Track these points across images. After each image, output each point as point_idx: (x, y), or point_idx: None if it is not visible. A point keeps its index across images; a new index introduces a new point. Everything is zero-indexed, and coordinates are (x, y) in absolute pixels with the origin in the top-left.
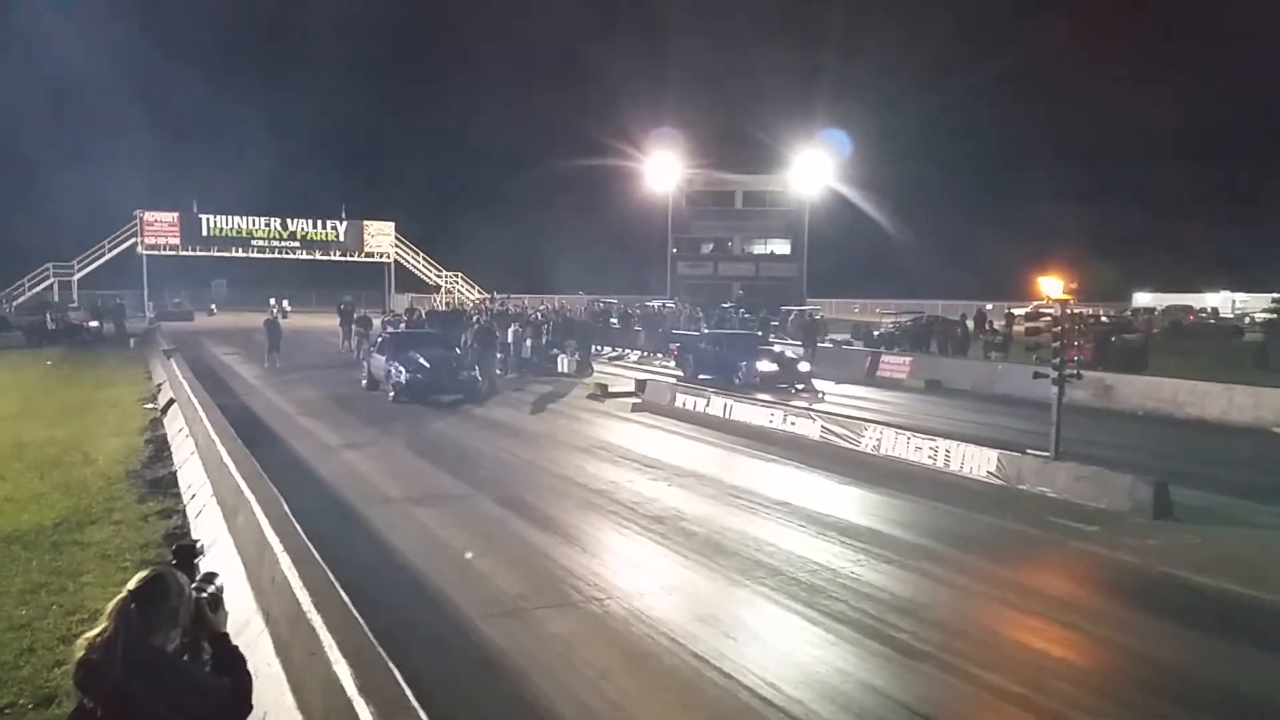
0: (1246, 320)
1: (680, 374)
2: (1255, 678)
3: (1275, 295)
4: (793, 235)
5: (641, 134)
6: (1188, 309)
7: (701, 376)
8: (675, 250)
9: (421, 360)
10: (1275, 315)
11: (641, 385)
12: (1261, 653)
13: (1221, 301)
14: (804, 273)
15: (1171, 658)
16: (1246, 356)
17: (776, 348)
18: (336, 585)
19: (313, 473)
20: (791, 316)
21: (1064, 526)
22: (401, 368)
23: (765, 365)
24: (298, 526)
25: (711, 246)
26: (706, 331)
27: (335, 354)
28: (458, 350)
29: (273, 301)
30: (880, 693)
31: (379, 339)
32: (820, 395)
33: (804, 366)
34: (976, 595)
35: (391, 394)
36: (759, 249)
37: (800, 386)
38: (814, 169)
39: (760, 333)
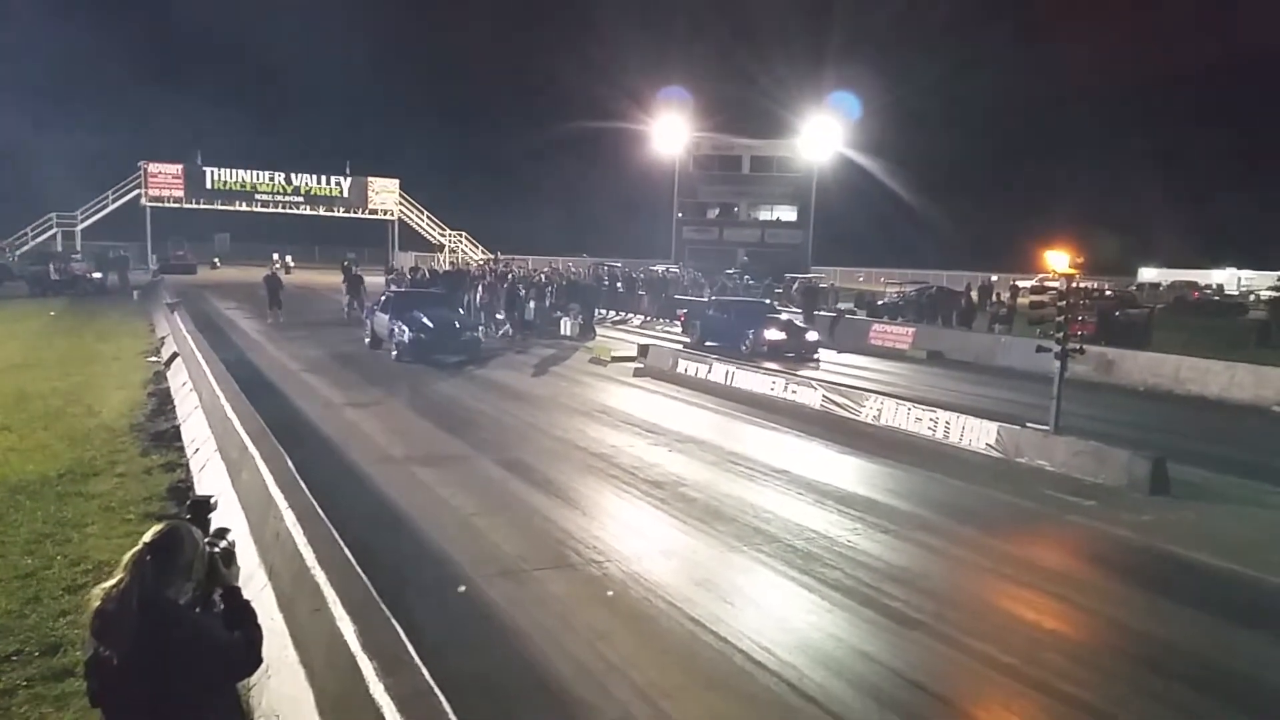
0: (1251, 298)
1: (687, 340)
2: (1246, 654)
3: None
4: (799, 202)
5: (649, 97)
6: (1193, 285)
7: (708, 343)
8: (681, 214)
9: (425, 320)
10: (1279, 293)
11: (644, 350)
12: (1253, 630)
13: (1227, 278)
14: (810, 240)
15: (1163, 632)
16: (1250, 334)
17: (783, 316)
18: (340, 542)
19: (315, 430)
20: (795, 284)
21: (1061, 500)
22: (405, 327)
23: (773, 334)
24: (302, 483)
25: (717, 211)
26: (714, 298)
27: (338, 311)
28: (461, 310)
29: (276, 256)
30: (873, 659)
31: (382, 297)
32: (819, 364)
33: (812, 336)
34: (971, 566)
35: (394, 353)
36: (765, 215)
37: (807, 355)
38: (822, 135)
39: (767, 300)
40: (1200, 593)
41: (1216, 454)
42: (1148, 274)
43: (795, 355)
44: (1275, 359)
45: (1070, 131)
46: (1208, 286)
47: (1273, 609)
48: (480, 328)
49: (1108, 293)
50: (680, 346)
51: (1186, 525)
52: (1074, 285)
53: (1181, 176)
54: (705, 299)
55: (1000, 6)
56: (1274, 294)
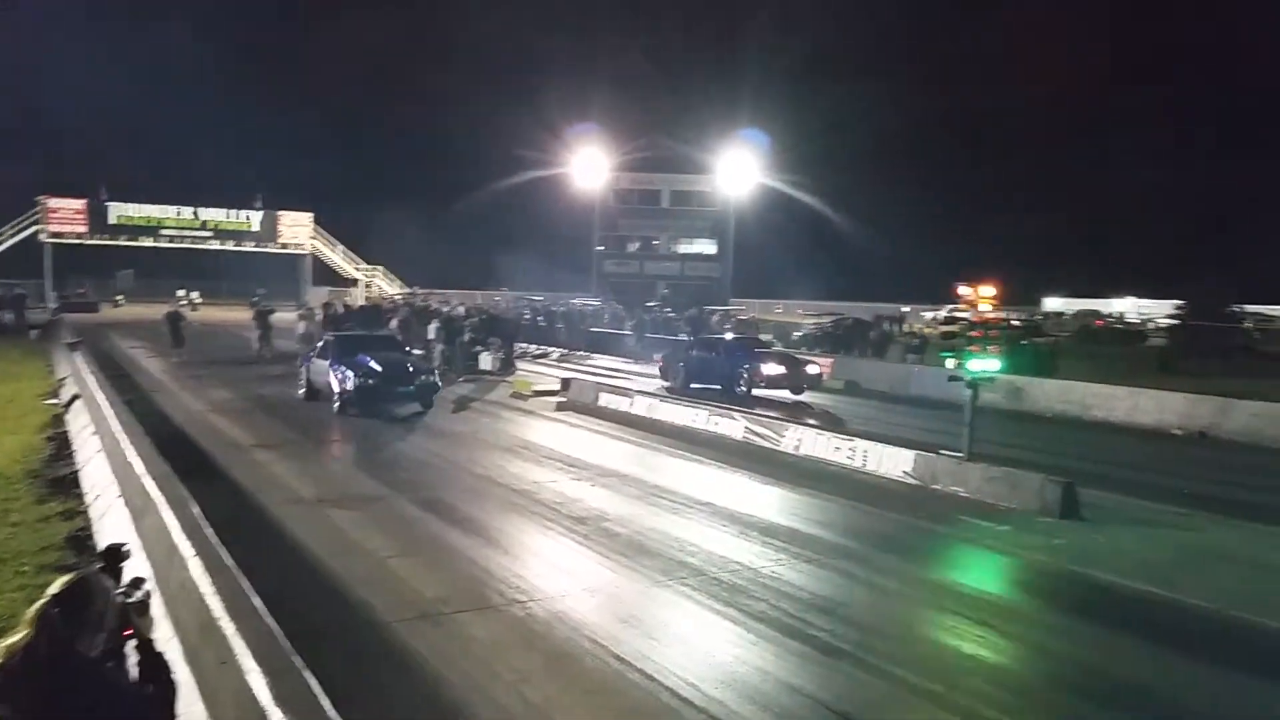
0: (1150, 326)
1: (668, 385)
2: (1165, 675)
3: (1177, 302)
4: (718, 235)
5: (569, 132)
6: (1095, 314)
7: (694, 386)
8: (602, 248)
9: (372, 364)
10: (1178, 322)
11: (566, 384)
12: (1164, 648)
13: (1128, 307)
14: (729, 273)
15: (1080, 654)
16: (1151, 361)
17: (777, 348)
18: (249, 591)
19: (224, 473)
20: (714, 316)
21: (976, 526)
22: (349, 373)
23: (771, 368)
24: (208, 529)
25: (638, 245)
26: (698, 337)
27: (246, 349)
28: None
29: (181, 293)
30: (800, 691)
31: (319, 343)
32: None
33: (812, 369)
34: (893, 594)
35: (336, 405)
36: (685, 248)
37: (807, 388)
38: (739, 170)
39: (689, 333)
40: (1116, 615)
41: (1124, 477)
42: (1052, 303)
43: (793, 389)
44: (1176, 385)
45: (975, 165)
46: (1110, 315)
47: (1186, 629)
48: (436, 369)
49: (1014, 322)
50: (664, 391)
51: (1098, 548)
52: (982, 316)
53: (1083, 208)
54: (690, 339)
55: (901, 47)
56: (1174, 322)
